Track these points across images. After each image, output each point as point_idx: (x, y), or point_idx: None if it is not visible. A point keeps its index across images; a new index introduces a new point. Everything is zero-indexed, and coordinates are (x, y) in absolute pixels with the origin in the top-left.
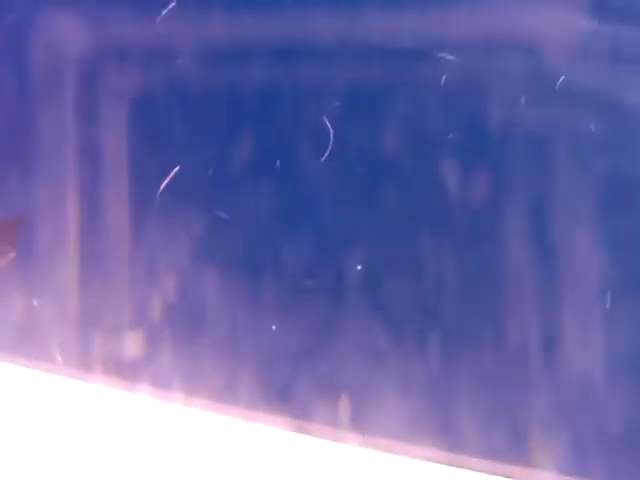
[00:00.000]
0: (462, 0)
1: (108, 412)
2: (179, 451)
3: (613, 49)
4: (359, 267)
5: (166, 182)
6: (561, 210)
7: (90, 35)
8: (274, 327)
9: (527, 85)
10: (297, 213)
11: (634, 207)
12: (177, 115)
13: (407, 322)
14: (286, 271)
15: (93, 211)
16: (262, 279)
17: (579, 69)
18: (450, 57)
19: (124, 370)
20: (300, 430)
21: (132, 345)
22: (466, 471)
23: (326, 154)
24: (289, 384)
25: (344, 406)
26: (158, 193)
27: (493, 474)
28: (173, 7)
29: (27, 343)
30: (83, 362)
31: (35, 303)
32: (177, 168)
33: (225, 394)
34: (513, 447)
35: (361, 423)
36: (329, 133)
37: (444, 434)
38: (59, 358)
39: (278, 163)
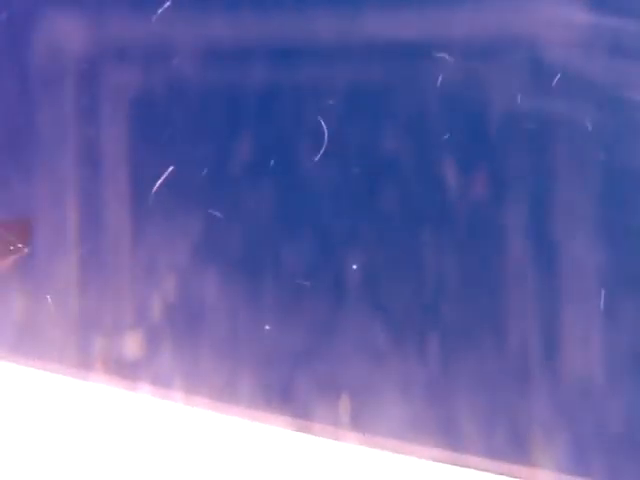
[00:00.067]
0: None
1: (109, 411)
2: (180, 450)
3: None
4: (354, 266)
5: (160, 182)
6: (561, 210)
7: (90, 35)
8: (270, 326)
9: (527, 81)
10: (297, 213)
11: (634, 204)
12: (177, 115)
13: (407, 321)
14: (286, 270)
15: (93, 211)
16: (262, 278)
17: (579, 64)
18: (448, 54)
19: (125, 369)
20: (301, 429)
21: (133, 344)
22: (467, 470)
23: (320, 152)
24: (290, 383)
25: (345, 405)
26: (154, 193)
27: (494, 473)
28: (172, 7)
29: (28, 343)
30: (84, 361)
31: (36, 303)
32: (171, 168)
33: (226, 393)
34: (513, 447)
35: (362, 422)
36: (325, 133)
37: (445, 433)
38: (60, 358)
39: (277, 163)
